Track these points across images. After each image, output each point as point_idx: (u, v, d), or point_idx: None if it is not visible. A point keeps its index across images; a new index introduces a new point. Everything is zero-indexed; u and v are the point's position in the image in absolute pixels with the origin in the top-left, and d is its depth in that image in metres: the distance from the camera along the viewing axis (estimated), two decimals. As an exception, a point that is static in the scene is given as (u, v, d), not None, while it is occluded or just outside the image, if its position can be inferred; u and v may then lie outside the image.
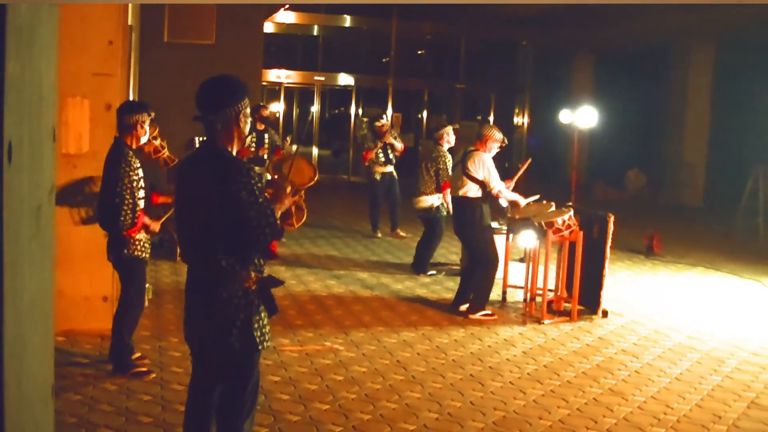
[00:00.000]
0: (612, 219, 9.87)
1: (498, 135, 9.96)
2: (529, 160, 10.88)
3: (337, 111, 32.84)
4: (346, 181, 25.83)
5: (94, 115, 7.94)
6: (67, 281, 8.06)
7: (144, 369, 7.25)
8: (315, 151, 26.27)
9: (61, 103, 7.89)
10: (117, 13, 7.99)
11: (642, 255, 14.62)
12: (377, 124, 14.98)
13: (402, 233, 15.02)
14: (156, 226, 7.29)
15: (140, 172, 7.05)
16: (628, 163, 25.46)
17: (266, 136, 14.29)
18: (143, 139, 7.17)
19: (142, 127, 7.02)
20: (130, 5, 8.42)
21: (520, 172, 10.60)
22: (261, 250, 4.57)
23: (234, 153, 4.62)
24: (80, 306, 8.15)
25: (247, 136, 13.20)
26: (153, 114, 7.24)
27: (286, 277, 11.41)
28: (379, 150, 14.81)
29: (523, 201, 10.09)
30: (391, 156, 14.87)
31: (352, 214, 18.13)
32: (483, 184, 9.79)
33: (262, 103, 16.00)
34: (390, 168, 14.91)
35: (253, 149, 13.88)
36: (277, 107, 27.48)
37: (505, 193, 9.93)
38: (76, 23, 7.87)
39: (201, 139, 17.79)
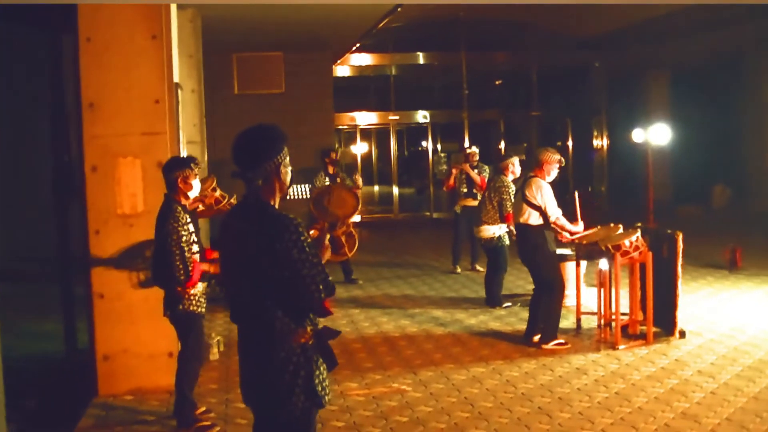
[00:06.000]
0: (680, 237, 9.63)
1: (554, 156, 9.83)
2: (577, 193, 10.48)
3: (414, 149, 32.91)
4: (428, 218, 25.79)
5: (147, 174, 8.06)
6: (131, 340, 8.20)
7: (208, 423, 7.27)
8: (395, 190, 26.34)
9: (113, 163, 8.07)
10: (162, 71, 8.12)
11: (725, 270, 14.25)
12: (466, 151, 15.06)
13: (480, 268, 14.87)
14: (216, 267, 7.27)
15: (191, 227, 7.10)
16: (713, 178, 24.95)
17: (337, 179, 14.34)
18: (192, 194, 7.22)
19: (185, 182, 7.07)
20: (176, 65, 8.55)
21: (578, 208, 10.27)
22: (316, 308, 4.40)
23: (277, 206, 4.47)
24: (146, 363, 8.24)
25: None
26: (197, 167, 7.27)
27: (360, 319, 11.41)
28: (463, 181, 14.72)
29: (579, 233, 9.90)
30: (474, 190, 14.73)
31: (432, 250, 18.04)
32: (543, 211, 9.67)
33: (331, 148, 16.07)
34: (473, 202, 14.72)
35: (327, 190, 13.89)
36: (355, 149, 27.72)
37: (562, 221, 9.74)
38: (121, 83, 8.04)
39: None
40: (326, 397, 4.48)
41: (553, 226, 9.72)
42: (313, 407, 4.46)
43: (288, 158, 4.49)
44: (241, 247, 4.41)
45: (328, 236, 4.84)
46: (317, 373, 4.42)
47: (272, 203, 4.45)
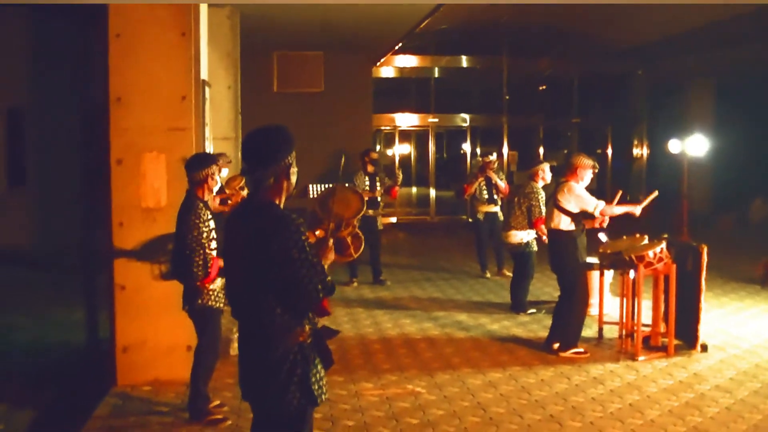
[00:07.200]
0: (705, 250, 9.56)
1: (587, 162, 9.75)
2: (656, 193, 10.17)
3: (453, 152, 32.90)
4: (465, 221, 25.74)
5: (171, 168, 8.16)
6: (151, 332, 8.31)
7: (220, 416, 7.35)
8: (433, 192, 26.35)
9: (138, 157, 8.18)
10: (189, 68, 8.23)
11: (757, 285, 14.10)
12: (485, 159, 14.96)
13: (508, 273, 14.84)
14: None
15: (212, 223, 7.19)
16: (755, 190, 24.64)
17: (377, 178, 14.38)
18: (215, 189, 7.37)
19: (212, 179, 7.19)
20: (204, 62, 8.64)
21: (645, 203, 10.00)
22: (313, 308, 4.47)
23: (282, 205, 4.53)
24: (165, 356, 8.35)
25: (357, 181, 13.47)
26: (220, 163, 7.39)
27: (384, 320, 11.45)
28: (483, 186, 14.73)
29: (637, 209, 9.81)
30: (495, 196, 14.76)
31: (465, 254, 18.01)
32: (575, 216, 9.60)
33: (370, 148, 16.19)
34: (494, 208, 14.78)
35: (367, 190, 13.94)
36: (394, 151, 27.76)
37: (609, 210, 9.64)
38: (148, 79, 8.15)
39: (316, 186, 18.11)
40: (322, 396, 4.54)
41: (601, 217, 9.64)
42: (309, 405, 4.51)
43: (295, 160, 4.55)
44: (244, 245, 4.47)
45: (331, 240, 4.86)
46: (314, 371, 4.47)
47: (277, 202, 4.51)
